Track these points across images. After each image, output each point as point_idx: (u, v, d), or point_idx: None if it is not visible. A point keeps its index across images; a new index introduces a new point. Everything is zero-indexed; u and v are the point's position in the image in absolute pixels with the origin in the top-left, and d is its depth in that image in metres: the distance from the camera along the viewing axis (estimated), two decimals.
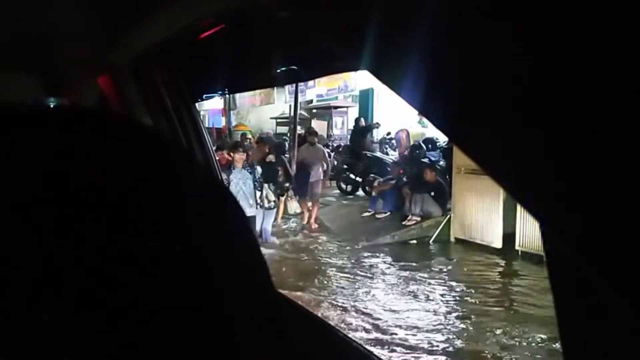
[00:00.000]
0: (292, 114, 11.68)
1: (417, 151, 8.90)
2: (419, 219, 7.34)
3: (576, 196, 0.29)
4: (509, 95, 0.31)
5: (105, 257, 0.23)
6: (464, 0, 0.32)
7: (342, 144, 12.88)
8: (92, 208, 0.23)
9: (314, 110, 16.88)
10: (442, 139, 9.46)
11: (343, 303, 4.94)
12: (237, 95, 16.03)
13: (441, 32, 0.33)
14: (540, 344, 4.11)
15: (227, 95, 12.76)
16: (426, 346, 4.15)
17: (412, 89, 0.37)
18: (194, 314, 0.24)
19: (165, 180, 0.26)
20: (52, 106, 0.30)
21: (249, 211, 6.23)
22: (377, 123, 12.09)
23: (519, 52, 0.30)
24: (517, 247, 6.39)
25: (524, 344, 4.19)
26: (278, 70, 1.45)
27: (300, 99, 12.53)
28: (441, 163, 8.45)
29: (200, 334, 0.24)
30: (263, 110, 17.60)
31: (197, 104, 1.60)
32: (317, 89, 15.08)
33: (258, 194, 6.42)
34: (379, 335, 4.31)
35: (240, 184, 6.23)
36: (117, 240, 0.23)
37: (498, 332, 4.36)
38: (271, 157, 7.05)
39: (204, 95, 1.66)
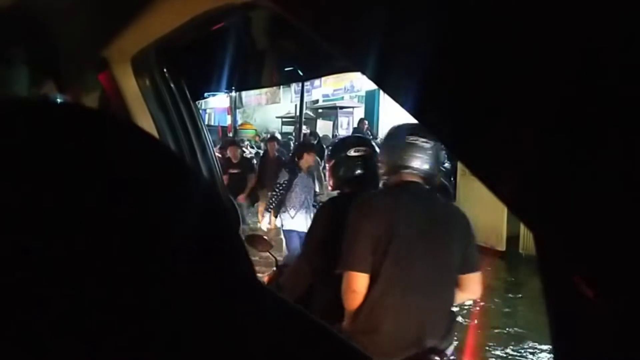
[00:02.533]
0: (297, 113, 11.69)
1: None
2: None
3: (574, 207, 0.28)
4: (512, 107, 0.30)
5: (87, 263, 0.22)
6: (464, 9, 0.31)
7: None
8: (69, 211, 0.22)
9: (320, 110, 16.88)
10: None
11: None
12: (244, 94, 16.06)
13: (441, 44, 0.32)
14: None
15: (233, 94, 12.78)
16: None
17: (414, 101, 0.36)
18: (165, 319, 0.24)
19: (155, 190, 0.25)
20: (50, 101, 0.30)
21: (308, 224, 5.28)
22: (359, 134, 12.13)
23: (524, 61, 0.28)
24: (520, 251, 6.38)
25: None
26: (284, 69, 1.45)
27: (306, 99, 12.53)
28: (446, 165, 8.43)
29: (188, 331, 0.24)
30: (269, 109, 17.62)
31: (199, 102, 1.60)
32: (323, 89, 15.08)
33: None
34: None
35: (306, 192, 5.09)
36: (97, 250, 0.22)
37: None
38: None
39: (206, 94, 1.66)
